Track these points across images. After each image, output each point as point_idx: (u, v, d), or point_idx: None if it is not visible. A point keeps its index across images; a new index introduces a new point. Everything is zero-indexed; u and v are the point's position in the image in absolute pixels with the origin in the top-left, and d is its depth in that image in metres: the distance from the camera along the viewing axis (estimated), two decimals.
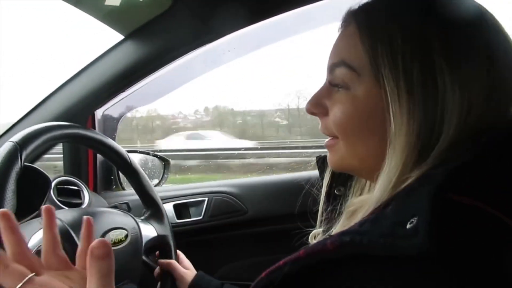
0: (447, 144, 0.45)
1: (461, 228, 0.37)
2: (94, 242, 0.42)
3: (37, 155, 1.19)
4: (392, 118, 0.47)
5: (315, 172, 0.70)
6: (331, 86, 0.54)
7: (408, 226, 0.37)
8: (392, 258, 0.37)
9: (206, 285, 0.95)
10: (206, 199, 1.28)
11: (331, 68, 0.53)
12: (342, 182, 0.63)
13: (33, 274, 0.44)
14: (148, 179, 1.00)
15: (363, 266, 0.40)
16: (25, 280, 0.43)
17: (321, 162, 0.66)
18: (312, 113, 0.57)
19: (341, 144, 0.53)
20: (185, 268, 0.98)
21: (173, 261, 0.97)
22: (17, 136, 0.74)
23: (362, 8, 0.52)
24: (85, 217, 0.51)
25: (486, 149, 0.43)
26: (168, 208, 1.26)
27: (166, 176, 1.45)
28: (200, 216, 1.27)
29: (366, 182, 0.60)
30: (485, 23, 0.49)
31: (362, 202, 0.54)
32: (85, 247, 0.50)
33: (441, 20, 0.47)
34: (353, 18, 0.52)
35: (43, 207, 0.47)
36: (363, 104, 0.50)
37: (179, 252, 1.03)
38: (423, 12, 0.48)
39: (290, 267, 0.43)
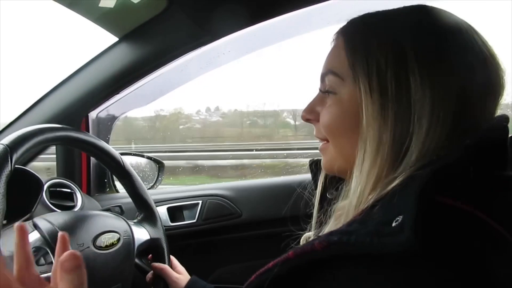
0: (421, 145, 0.47)
1: (444, 226, 0.39)
2: (63, 255, 0.42)
3: (30, 157, 1.18)
4: (364, 118, 0.50)
5: (308, 176, 0.70)
6: (322, 94, 0.58)
7: (394, 224, 0.39)
8: (378, 257, 0.39)
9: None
10: (200, 202, 1.27)
11: (322, 77, 0.58)
12: (334, 186, 0.64)
13: None
14: (141, 181, 1.00)
15: (351, 265, 0.41)
16: None
17: (314, 166, 0.68)
18: (307, 120, 0.61)
19: (331, 146, 0.57)
20: (178, 273, 0.98)
21: (166, 266, 0.97)
22: (7, 139, 0.73)
23: (349, 23, 0.57)
24: (60, 233, 0.50)
25: (469, 151, 0.44)
26: (162, 211, 1.26)
27: (160, 178, 1.44)
28: (194, 219, 1.26)
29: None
30: (459, 31, 0.51)
31: (348, 206, 0.54)
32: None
33: (415, 30, 0.51)
34: (340, 32, 0.57)
35: (15, 225, 0.46)
36: (346, 106, 0.54)
37: (172, 257, 1.02)
38: (400, 24, 0.52)
39: (279, 268, 0.44)
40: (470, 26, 0.53)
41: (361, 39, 0.53)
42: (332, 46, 0.59)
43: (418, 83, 0.48)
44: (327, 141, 0.58)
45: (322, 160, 0.61)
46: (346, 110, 0.54)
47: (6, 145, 0.71)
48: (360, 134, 0.51)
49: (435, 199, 0.40)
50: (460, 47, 0.50)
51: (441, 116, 0.47)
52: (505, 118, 0.51)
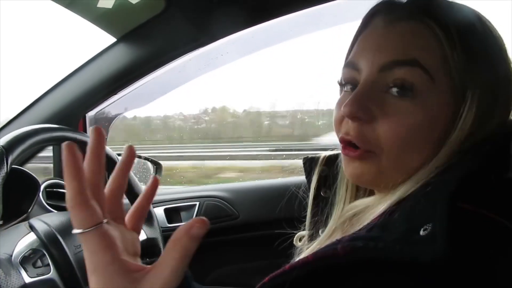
0: (452, 152, 0.45)
1: (471, 235, 0.38)
2: (195, 220, 0.35)
3: (26, 158, 1.17)
4: (457, 132, 0.45)
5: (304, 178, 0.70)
6: (383, 88, 0.46)
7: (422, 232, 0.37)
8: (404, 264, 0.37)
9: None
10: (198, 203, 1.27)
11: (390, 66, 0.46)
12: (328, 185, 0.62)
13: (105, 221, 0.38)
14: (137, 181, 0.99)
15: (374, 271, 0.39)
16: (97, 226, 0.37)
17: (308, 164, 0.65)
18: (354, 118, 0.47)
19: (384, 159, 0.47)
20: None
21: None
22: (3, 140, 0.73)
23: (440, 5, 0.47)
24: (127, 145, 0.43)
25: (489, 157, 0.43)
26: (159, 212, 1.26)
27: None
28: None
29: (363, 189, 0.59)
30: (489, 29, 0.49)
31: (365, 205, 0.52)
32: (114, 187, 0.44)
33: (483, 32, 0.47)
34: (425, 14, 0.46)
35: (91, 128, 0.40)
36: (433, 114, 0.45)
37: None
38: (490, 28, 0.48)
39: (298, 272, 0.42)
40: (489, 20, 0.50)
41: (464, 30, 0.44)
42: (403, 27, 0.46)
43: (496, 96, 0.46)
44: (372, 151, 0.47)
45: (356, 169, 0.49)
46: (431, 119, 0.45)
47: (2, 146, 0.71)
48: (439, 146, 0.45)
49: (461, 207, 0.38)
50: (491, 45, 0.48)
51: (483, 123, 0.45)
52: None
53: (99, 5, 0.99)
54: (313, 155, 0.64)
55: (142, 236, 0.94)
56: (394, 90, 0.45)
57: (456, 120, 0.45)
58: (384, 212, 0.45)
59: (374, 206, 0.49)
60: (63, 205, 1.10)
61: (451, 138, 0.45)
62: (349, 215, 0.56)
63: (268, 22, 1.02)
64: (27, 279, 0.68)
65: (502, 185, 0.42)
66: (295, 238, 0.65)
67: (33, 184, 0.98)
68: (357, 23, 0.53)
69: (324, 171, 0.63)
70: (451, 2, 0.48)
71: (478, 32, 0.46)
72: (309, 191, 0.64)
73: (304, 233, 0.63)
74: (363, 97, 0.46)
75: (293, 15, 0.99)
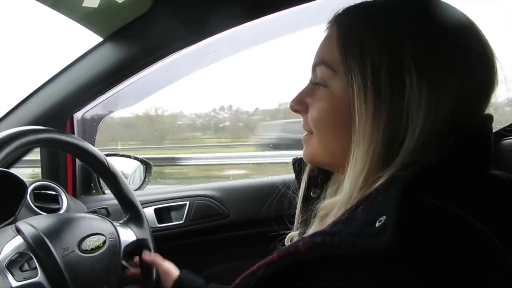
0: (413, 145, 0.46)
1: (427, 226, 0.39)
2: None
3: (12, 160, 1.16)
4: (357, 116, 0.48)
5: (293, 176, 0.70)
6: (313, 85, 0.56)
7: (377, 224, 0.39)
8: (361, 257, 0.38)
9: (192, 281, 0.94)
10: (188, 202, 1.27)
11: (313, 68, 0.56)
12: (318, 185, 0.64)
13: None
14: (126, 182, 0.98)
15: (335, 266, 0.41)
16: None
17: (298, 165, 0.67)
18: (295, 111, 0.59)
19: (315, 139, 0.56)
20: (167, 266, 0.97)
21: (156, 257, 0.95)
22: None
23: (344, 11, 0.54)
24: None
25: (453, 150, 0.44)
26: (149, 212, 1.25)
27: (147, 179, 1.43)
28: (181, 220, 1.25)
29: (338, 186, 0.60)
30: (462, 29, 0.50)
31: (332, 205, 0.54)
32: None
33: (415, 25, 0.48)
34: (335, 20, 0.55)
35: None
36: (337, 101, 0.52)
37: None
38: (398, 17, 0.49)
39: (264, 271, 0.44)
40: (472, 23, 0.51)
41: (356, 31, 0.50)
42: (325, 34, 0.56)
43: (414, 83, 0.46)
44: (311, 133, 0.56)
45: (303, 152, 0.59)
46: (337, 105, 0.52)
47: None
48: (353, 132, 0.49)
49: (418, 199, 0.40)
50: (461, 46, 0.48)
51: (437, 117, 0.46)
52: (488, 117, 0.51)
53: (85, 4, 0.98)
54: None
55: (132, 237, 0.93)
56: (317, 86, 0.55)
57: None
58: (350, 207, 0.47)
59: (342, 203, 0.50)
60: (51, 207, 1.09)
61: (356, 123, 0.49)
62: (320, 215, 0.58)
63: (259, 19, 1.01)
64: (14, 283, 0.67)
65: (467, 179, 0.45)
66: (286, 239, 0.65)
67: (20, 186, 0.97)
68: None
69: (314, 171, 0.64)
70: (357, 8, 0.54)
71: (380, 30, 0.49)
72: (298, 191, 0.65)
73: (295, 233, 0.64)
74: (300, 94, 0.58)
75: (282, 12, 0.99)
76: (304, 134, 0.59)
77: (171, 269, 0.95)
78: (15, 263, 0.70)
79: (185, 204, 1.27)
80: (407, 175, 0.41)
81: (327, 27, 0.56)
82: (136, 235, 0.94)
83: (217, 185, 1.34)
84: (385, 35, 0.48)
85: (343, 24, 0.53)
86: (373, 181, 0.46)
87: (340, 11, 0.55)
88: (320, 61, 0.54)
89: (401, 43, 0.47)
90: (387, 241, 0.36)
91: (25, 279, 0.69)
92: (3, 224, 0.86)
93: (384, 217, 0.38)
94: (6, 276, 0.67)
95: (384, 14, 0.50)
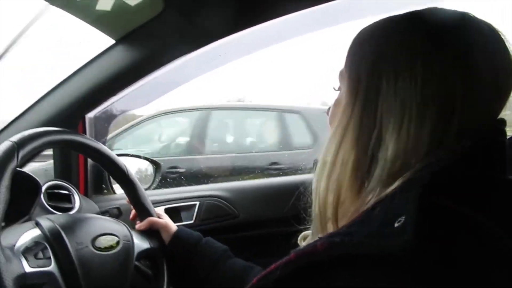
0: (401, 147, 0.47)
1: (443, 229, 0.39)
2: None
3: (25, 160, 1.18)
4: (346, 118, 0.52)
5: (303, 177, 0.71)
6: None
7: (396, 225, 0.39)
8: (379, 257, 0.39)
9: (187, 235, 0.99)
10: (198, 203, 1.28)
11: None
12: None
13: None
14: (143, 189, 1.01)
15: (352, 266, 0.41)
16: None
17: (314, 163, 0.67)
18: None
19: None
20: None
21: (152, 218, 1.00)
22: (16, 136, 0.76)
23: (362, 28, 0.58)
24: None
25: (469, 152, 0.44)
26: (159, 212, 1.26)
27: (157, 179, 1.45)
28: (191, 220, 1.27)
29: None
30: (461, 29, 0.50)
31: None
32: None
33: (394, 36, 0.51)
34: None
35: None
36: (341, 103, 0.56)
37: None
38: (386, 28, 0.53)
39: (281, 271, 0.44)
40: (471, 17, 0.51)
41: (356, 39, 0.56)
42: None
43: (391, 85, 0.48)
44: None
45: None
46: (337, 110, 0.56)
47: (14, 142, 0.74)
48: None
49: (435, 201, 0.41)
50: (456, 46, 0.48)
51: (414, 117, 0.47)
52: (502, 121, 0.50)
53: (98, 7, 1.00)
54: None
55: (146, 244, 0.94)
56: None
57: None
58: (367, 208, 0.47)
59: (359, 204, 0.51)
60: (64, 206, 1.10)
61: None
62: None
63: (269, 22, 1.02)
64: (28, 269, 0.69)
65: (484, 183, 0.45)
66: (299, 238, 0.66)
67: (34, 186, 0.99)
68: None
69: None
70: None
71: (382, 35, 0.53)
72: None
73: (309, 232, 0.64)
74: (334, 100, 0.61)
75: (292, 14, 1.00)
76: None
77: (170, 224, 1.00)
78: (30, 250, 0.73)
79: (195, 204, 1.28)
80: (425, 177, 0.41)
81: None
82: (150, 243, 0.95)
83: (226, 185, 1.35)
84: (372, 47, 0.52)
85: (354, 39, 0.57)
86: (387, 184, 0.47)
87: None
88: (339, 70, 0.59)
89: (382, 56, 0.50)
90: (406, 242, 0.37)
91: (38, 266, 0.71)
92: (19, 222, 0.88)
93: (403, 217, 0.39)
94: (20, 260, 0.70)
95: (372, 32, 0.55)
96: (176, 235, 0.98)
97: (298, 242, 0.65)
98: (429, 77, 0.47)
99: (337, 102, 0.58)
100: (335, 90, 0.60)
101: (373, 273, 0.40)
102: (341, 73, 0.57)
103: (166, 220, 1.03)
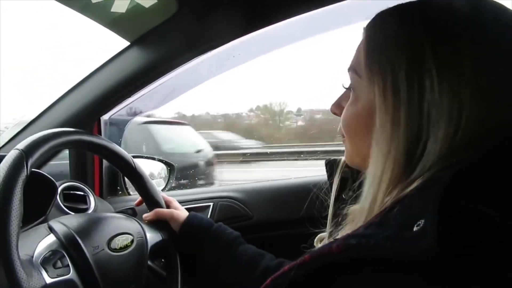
0: (441, 146, 0.45)
1: (465, 231, 0.38)
2: None
3: (43, 161, 1.19)
4: (378, 119, 0.49)
5: (319, 177, 0.70)
6: (348, 90, 0.59)
7: (415, 228, 0.38)
8: (397, 261, 0.38)
9: (198, 222, 0.99)
10: (212, 204, 1.28)
11: (348, 74, 0.58)
12: (350, 187, 0.64)
13: None
14: (152, 182, 1.01)
15: (368, 268, 0.40)
16: None
17: (330, 166, 0.68)
18: (335, 113, 0.62)
19: (347, 142, 0.58)
20: (176, 209, 1.02)
21: (159, 209, 1.00)
22: (22, 144, 0.74)
23: (372, 19, 0.56)
24: None
25: (491, 153, 0.43)
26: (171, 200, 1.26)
27: (171, 181, 1.45)
28: None
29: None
30: (498, 24, 0.48)
31: (359, 210, 0.54)
32: None
33: (435, 26, 0.48)
34: (364, 28, 0.57)
35: None
36: (362, 105, 0.54)
37: (171, 198, 1.05)
38: (416, 20, 0.50)
39: (296, 272, 0.44)
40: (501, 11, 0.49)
41: (376, 36, 0.53)
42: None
43: (435, 85, 0.46)
44: (344, 136, 0.59)
45: (344, 154, 0.61)
46: (361, 109, 0.54)
47: (22, 150, 0.72)
48: (373, 136, 0.50)
49: (456, 203, 0.39)
50: (495, 42, 0.47)
51: (463, 120, 0.45)
52: None
53: (113, 9, 1.01)
54: (335, 158, 0.67)
55: (158, 237, 0.95)
56: (349, 89, 0.58)
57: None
58: (384, 209, 0.46)
59: (365, 207, 0.50)
60: (80, 207, 1.11)
61: (376, 124, 0.50)
62: (352, 218, 0.57)
63: (282, 22, 1.02)
64: (48, 280, 0.69)
65: (506, 185, 0.42)
66: (316, 240, 0.65)
67: (51, 187, 1.00)
68: None
69: (346, 173, 0.64)
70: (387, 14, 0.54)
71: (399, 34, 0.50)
72: (330, 193, 0.65)
73: (325, 234, 0.64)
74: (339, 99, 0.61)
75: (309, 14, 0.99)
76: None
77: (178, 213, 1.00)
78: (48, 260, 0.72)
79: (209, 205, 1.28)
80: (445, 178, 0.40)
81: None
82: (162, 235, 0.95)
83: (240, 186, 1.34)
84: (402, 37, 0.49)
85: (368, 30, 0.55)
86: (407, 185, 0.46)
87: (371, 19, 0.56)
88: (350, 67, 0.57)
89: (422, 44, 0.47)
90: (426, 246, 0.36)
91: (58, 276, 0.71)
92: (35, 223, 0.89)
93: (423, 220, 0.38)
94: (40, 272, 0.69)
95: (402, 16, 0.52)
96: (187, 222, 0.98)
97: (314, 244, 0.65)
98: (478, 69, 0.46)
99: (356, 102, 0.55)
100: (349, 89, 0.57)
101: (390, 276, 0.39)
102: (357, 71, 0.55)
103: (175, 206, 1.03)
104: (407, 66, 0.47)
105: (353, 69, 0.56)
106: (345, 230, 0.57)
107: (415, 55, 0.47)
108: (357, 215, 0.54)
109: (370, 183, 0.49)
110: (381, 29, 0.53)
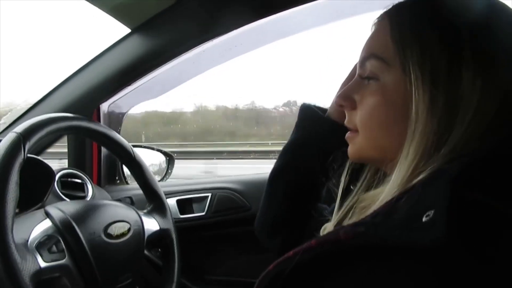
0: (459, 138, 0.45)
1: (473, 223, 0.38)
2: None
3: (42, 147, 1.19)
4: (413, 108, 0.47)
5: None
6: (361, 80, 0.55)
7: (424, 219, 0.38)
8: (405, 249, 0.38)
9: None
10: (210, 195, 1.27)
11: (362, 62, 0.54)
12: (357, 177, 0.63)
13: None
14: (151, 172, 1.00)
15: (374, 257, 0.40)
16: None
17: (340, 157, 0.66)
18: (340, 106, 0.57)
19: (361, 137, 0.54)
20: None
21: None
22: (20, 127, 0.73)
23: (395, 6, 0.54)
24: None
25: (499, 146, 0.43)
26: (172, 203, 1.26)
27: (170, 171, 1.45)
28: (203, 212, 1.26)
29: (374, 178, 0.60)
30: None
31: (374, 197, 0.53)
32: None
33: (477, 21, 0.47)
34: (386, 14, 0.54)
35: None
36: (391, 93, 0.50)
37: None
38: (459, 11, 0.48)
39: (301, 256, 0.43)
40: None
41: (413, 21, 0.50)
42: (374, 29, 0.55)
43: (471, 77, 0.45)
44: (356, 130, 0.55)
45: (349, 150, 0.58)
46: (390, 99, 0.50)
47: (19, 133, 0.72)
48: (408, 124, 0.48)
49: (465, 194, 0.39)
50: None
51: (486, 112, 0.45)
52: None
53: None
54: (343, 149, 0.65)
55: (155, 227, 0.94)
56: (366, 80, 0.53)
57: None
58: (392, 199, 0.45)
59: (381, 195, 0.50)
60: (77, 194, 1.11)
61: (412, 114, 0.47)
62: (361, 207, 0.57)
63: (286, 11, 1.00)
64: (42, 264, 0.69)
65: None
66: (322, 229, 0.65)
67: (48, 173, 0.99)
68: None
69: (357, 164, 0.63)
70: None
71: (436, 24, 0.48)
72: (338, 184, 0.65)
73: (330, 224, 0.63)
74: (347, 90, 0.56)
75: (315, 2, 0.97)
76: (348, 132, 0.58)
77: None
78: (43, 245, 0.72)
79: (207, 196, 1.27)
80: (454, 170, 0.40)
81: (375, 22, 0.55)
82: (159, 225, 0.95)
83: (238, 178, 1.34)
84: (444, 24, 0.47)
85: (397, 18, 0.52)
86: (416, 174, 0.45)
87: (391, 6, 0.54)
88: (370, 55, 0.53)
89: (461, 34, 0.46)
90: (436, 236, 0.36)
91: (52, 260, 0.71)
92: (32, 209, 0.88)
93: (432, 211, 0.37)
94: (35, 256, 0.69)
95: (445, 7, 0.49)
96: None
97: (321, 233, 0.64)
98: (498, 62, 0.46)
99: (383, 91, 0.51)
100: (368, 78, 0.53)
101: (397, 265, 0.39)
102: (383, 58, 0.51)
103: None
104: (448, 59, 0.46)
105: (376, 57, 0.52)
106: (352, 219, 0.57)
107: (456, 45, 0.46)
108: (372, 201, 0.53)
109: (401, 171, 0.47)
110: (417, 17, 0.50)
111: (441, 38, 0.47)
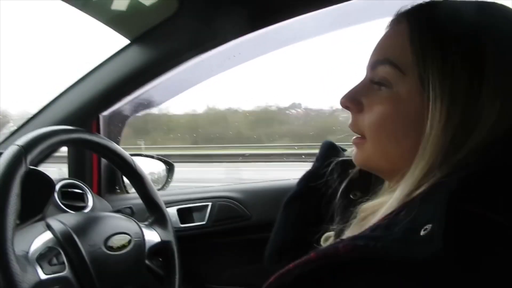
0: (464, 155, 0.45)
1: (471, 237, 0.38)
2: None
3: (41, 158, 1.19)
4: (428, 123, 0.46)
5: None
6: (371, 84, 0.52)
7: (422, 232, 0.38)
8: (403, 264, 0.38)
9: None
10: (210, 204, 1.27)
11: (374, 65, 0.52)
12: (359, 187, 0.63)
13: None
14: (152, 183, 1.00)
15: (373, 270, 0.40)
16: None
17: (339, 166, 0.67)
18: (346, 107, 0.55)
19: (369, 144, 0.52)
20: None
21: None
22: (22, 140, 0.74)
23: (416, 8, 0.51)
24: None
25: (498, 158, 0.43)
26: (172, 212, 1.26)
27: (169, 180, 1.45)
28: (203, 221, 1.26)
29: (375, 188, 0.60)
30: None
31: (375, 207, 0.53)
32: None
33: (500, 37, 0.46)
34: (405, 17, 0.51)
35: None
36: (404, 104, 0.48)
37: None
38: (485, 25, 0.47)
39: (300, 270, 0.44)
40: None
41: (436, 29, 0.47)
42: (389, 30, 0.53)
43: (491, 97, 0.44)
44: (364, 137, 0.53)
45: (355, 156, 0.56)
46: (403, 110, 0.48)
47: (21, 146, 0.73)
48: (422, 137, 0.46)
49: (464, 208, 0.38)
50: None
51: (498, 132, 0.45)
52: None
53: (113, 7, 1.00)
54: (345, 158, 0.66)
55: (156, 238, 0.94)
56: (377, 85, 0.51)
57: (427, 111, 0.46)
58: (391, 212, 0.46)
59: (382, 207, 0.50)
60: (78, 205, 1.11)
61: (427, 129, 0.46)
62: (362, 217, 0.57)
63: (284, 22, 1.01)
64: (43, 276, 0.69)
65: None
66: (322, 238, 0.65)
67: (48, 184, 0.99)
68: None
69: (355, 173, 0.63)
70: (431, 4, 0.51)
71: (457, 31, 0.47)
72: (337, 193, 0.65)
73: (331, 233, 0.63)
74: (355, 91, 0.54)
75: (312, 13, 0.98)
76: (356, 137, 0.55)
77: None
78: (44, 257, 0.72)
79: (207, 205, 1.27)
80: (452, 183, 0.40)
81: (392, 24, 0.53)
82: (160, 237, 0.95)
83: (239, 186, 1.34)
84: (468, 36, 0.46)
85: (418, 20, 0.49)
86: (419, 186, 0.45)
87: (409, 7, 0.52)
88: (384, 60, 0.50)
89: (484, 48, 0.45)
90: (434, 251, 0.35)
91: (53, 272, 0.71)
92: (32, 221, 0.88)
93: (430, 225, 0.37)
94: (35, 268, 0.69)
95: (466, 13, 0.47)
96: None
97: (321, 242, 0.64)
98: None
99: (396, 100, 0.49)
100: (379, 84, 0.51)
101: (395, 279, 0.39)
102: (398, 65, 0.49)
103: None
104: (469, 74, 0.45)
105: (391, 63, 0.49)
106: (352, 229, 0.57)
107: (478, 59, 0.45)
108: (372, 212, 0.53)
109: (409, 183, 0.47)
110: (440, 22, 0.47)
111: (465, 53, 0.45)
